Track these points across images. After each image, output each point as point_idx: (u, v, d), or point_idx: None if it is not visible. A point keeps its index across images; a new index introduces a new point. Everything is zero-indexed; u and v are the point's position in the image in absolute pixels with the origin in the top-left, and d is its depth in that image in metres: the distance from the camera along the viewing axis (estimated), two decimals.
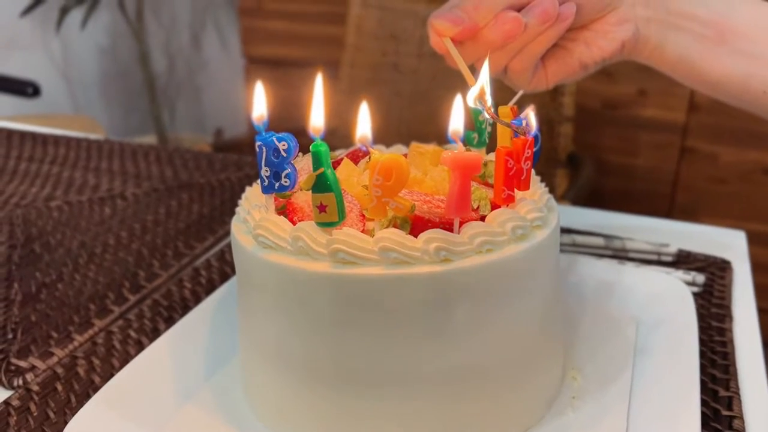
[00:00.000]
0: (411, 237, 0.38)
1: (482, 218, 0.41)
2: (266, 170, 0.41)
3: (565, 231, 0.73)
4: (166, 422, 0.45)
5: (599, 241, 0.69)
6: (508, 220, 0.40)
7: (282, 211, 0.43)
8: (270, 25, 2.43)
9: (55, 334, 0.58)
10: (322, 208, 0.39)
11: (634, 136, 2.05)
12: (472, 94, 0.42)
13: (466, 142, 0.52)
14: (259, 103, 0.41)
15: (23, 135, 1.06)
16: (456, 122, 0.39)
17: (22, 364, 0.54)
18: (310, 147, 0.38)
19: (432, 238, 0.38)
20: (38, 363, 0.54)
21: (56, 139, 1.04)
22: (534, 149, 0.43)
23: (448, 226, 0.39)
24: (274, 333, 0.42)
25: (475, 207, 0.42)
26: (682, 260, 0.68)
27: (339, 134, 1.84)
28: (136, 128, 3.03)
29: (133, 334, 0.58)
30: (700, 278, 0.62)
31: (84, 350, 0.55)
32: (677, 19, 0.57)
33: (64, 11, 2.39)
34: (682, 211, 2.06)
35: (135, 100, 3.01)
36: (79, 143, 1.03)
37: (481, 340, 0.40)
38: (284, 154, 0.40)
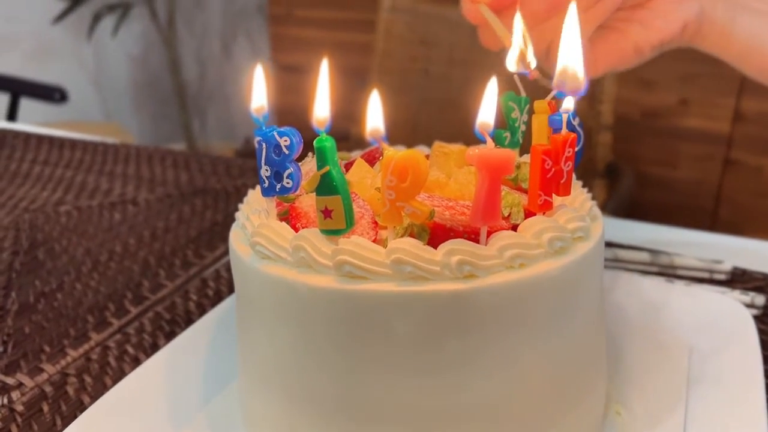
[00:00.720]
0: (430, 248, 0.32)
1: (514, 228, 0.35)
2: (266, 170, 0.36)
3: (606, 245, 0.66)
4: None
5: (644, 256, 0.63)
6: (545, 230, 0.34)
7: (285, 216, 0.38)
8: (299, 33, 2.41)
9: (47, 348, 0.53)
10: (327, 213, 0.33)
11: (675, 147, 1.97)
12: (512, 56, 0.36)
13: (497, 141, 0.46)
14: (259, 93, 0.36)
15: (41, 138, 1.03)
16: (486, 113, 0.33)
17: (9, 381, 0.50)
18: (314, 142, 0.33)
19: (454, 249, 0.32)
20: (26, 380, 0.50)
21: (73, 143, 1.01)
22: (576, 148, 0.37)
23: (473, 236, 0.34)
24: (273, 355, 0.37)
25: (506, 214, 0.36)
26: (737, 279, 0.61)
27: (367, 143, 1.80)
28: (165, 136, 3.03)
29: (130, 349, 0.53)
30: (760, 299, 0.55)
31: (76, 367, 0.51)
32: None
33: (96, 19, 2.39)
34: (725, 226, 1.97)
35: (165, 108, 3.01)
36: (95, 147, 0.99)
37: (511, 371, 0.34)
38: (286, 152, 0.35)
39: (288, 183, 0.36)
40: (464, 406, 0.34)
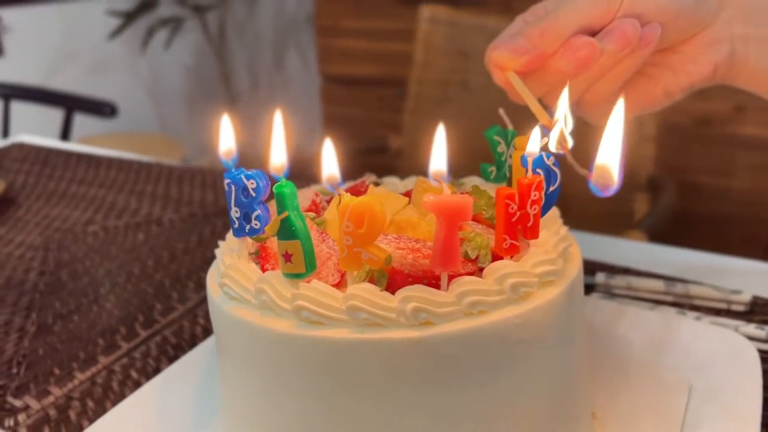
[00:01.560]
0: (387, 294, 0.32)
1: (482, 270, 0.35)
2: (236, 211, 0.37)
3: (622, 271, 0.65)
4: None
5: (659, 285, 0.60)
6: (508, 275, 0.33)
7: (256, 256, 0.39)
8: (345, 44, 2.42)
9: (57, 371, 0.55)
10: (287, 258, 0.34)
11: (730, 155, 1.89)
12: (553, 137, 0.35)
13: (483, 175, 0.46)
14: (226, 138, 0.36)
15: (80, 157, 1.08)
16: (438, 160, 0.33)
17: (17, 403, 0.52)
18: (273, 188, 0.33)
19: (410, 296, 0.32)
20: (33, 403, 0.52)
21: (110, 162, 1.05)
22: (546, 191, 0.36)
23: (434, 281, 0.33)
24: (243, 393, 0.37)
25: (474, 257, 0.35)
26: (758, 309, 0.58)
27: (405, 155, 1.80)
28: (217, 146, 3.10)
29: (134, 374, 0.54)
30: None
31: (81, 390, 0.53)
32: None
33: (149, 33, 2.47)
34: None
35: (217, 119, 3.09)
36: (130, 165, 1.03)
37: (470, 418, 0.33)
38: (253, 194, 0.36)
39: (256, 224, 0.36)
40: None
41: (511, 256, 0.35)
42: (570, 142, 0.36)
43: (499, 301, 0.33)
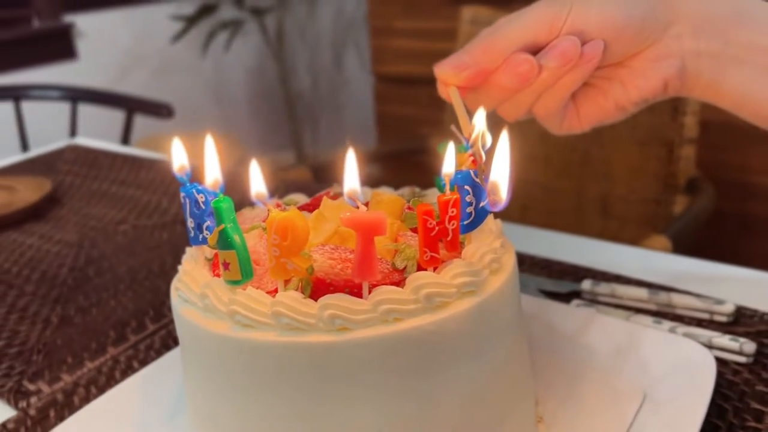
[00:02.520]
0: (309, 301, 0.35)
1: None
2: (191, 221, 0.41)
3: (608, 279, 0.65)
4: None
5: (642, 293, 0.61)
6: (424, 285, 0.36)
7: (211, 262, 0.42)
8: (398, 44, 2.45)
9: (70, 359, 0.61)
10: (226, 266, 0.37)
11: None
12: (474, 134, 0.40)
13: (437, 187, 0.48)
14: (179, 155, 0.40)
15: (124, 159, 1.15)
16: (351, 180, 0.36)
17: (31, 387, 0.58)
18: (212, 203, 0.37)
19: (328, 304, 0.35)
20: (45, 387, 0.57)
21: (150, 164, 1.12)
22: (476, 207, 0.38)
23: (357, 291, 0.36)
24: (196, 388, 0.41)
25: (401, 267, 0.38)
26: (744, 321, 0.58)
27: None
28: (278, 145, 3.19)
29: (136, 365, 0.59)
30: (750, 347, 0.53)
31: (88, 378, 0.58)
32: (739, 51, 0.48)
33: (210, 36, 2.57)
34: None
35: (278, 118, 3.18)
36: (168, 167, 1.09)
37: (390, 424, 0.36)
38: (203, 207, 0.40)
39: (207, 234, 0.40)
40: None
41: (434, 268, 0.37)
42: (487, 143, 0.40)
43: (414, 310, 0.35)
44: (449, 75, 0.47)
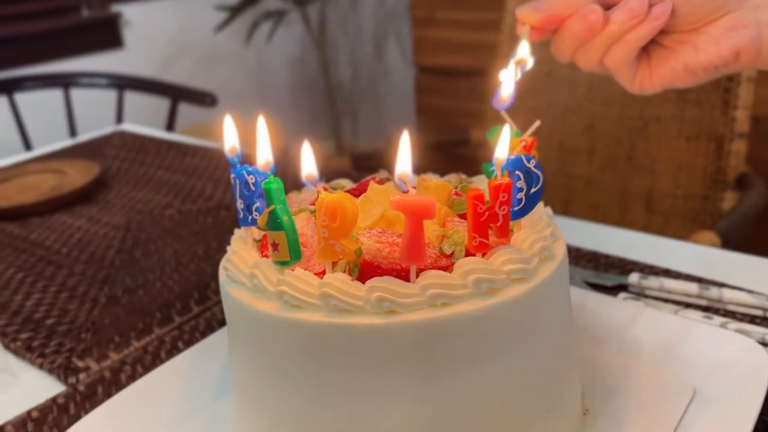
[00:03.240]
0: (357, 284, 0.35)
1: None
2: (240, 203, 0.41)
3: (656, 273, 0.64)
4: None
5: (692, 288, 0.59)
6: (472, 271, 0.35)
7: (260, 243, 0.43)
8: (440, 34, 2.44)
9: (117, 338, 0.62)
10: (275, 247, 0.37)
11: None
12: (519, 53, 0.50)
13: (485, 174, 0.47)
14: (230, 135, 0.40)
15: (170, 145, 1.17)
16: (403, 162, 0.36)
17: (80, 364, 0.59)
18: (263, 184, 0.37)
19: (376, 286, 0.35)
20: (93, 365, 0.59)
21: (195, 150, 1.13)
22: (527, 192, 0.38)
23: (404, 274, 0.36)
24: (242, 367, 0.42)
25: (449, 253, 0.38)
26: None
27: (486, 147, 1.79)
28: (318, 135, 3.20)
29: (181, 345, 0.60)
30: None
31: (134, 357, 0.59)
32: None
33: (254, 26, 2.59)
34: None
35: (319, 108, 3.19)
36: (213, 154, 1.11)
37: (434, 405, 0.36)
38: (253, 188, 0.40)
39: (256, 215, 0.40)
40: None
41: (483, 254, 0.37)
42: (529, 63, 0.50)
43: (462, 295, 0.35)
44: (527, 14, 0.52)
